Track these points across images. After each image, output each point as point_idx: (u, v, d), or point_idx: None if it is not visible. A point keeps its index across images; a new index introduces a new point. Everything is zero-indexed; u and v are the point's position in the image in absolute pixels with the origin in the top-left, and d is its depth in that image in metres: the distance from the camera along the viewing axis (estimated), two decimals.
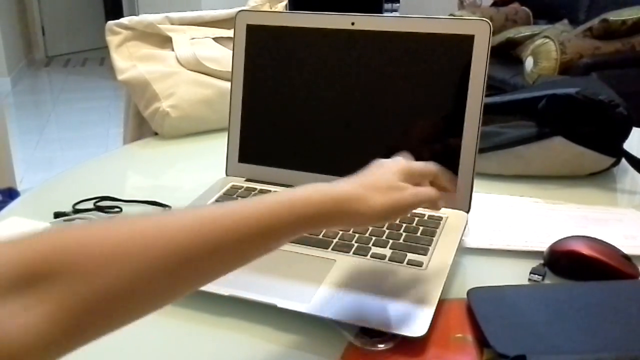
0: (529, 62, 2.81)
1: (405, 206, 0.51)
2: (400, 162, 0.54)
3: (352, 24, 0.71)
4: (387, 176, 0.51)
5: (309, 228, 0.45)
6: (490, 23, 0.65)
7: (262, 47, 0.75)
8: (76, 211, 0.75)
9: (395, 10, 4.25)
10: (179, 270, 0.37)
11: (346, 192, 0.47)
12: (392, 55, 0.69)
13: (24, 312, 0.31)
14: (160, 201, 0.78)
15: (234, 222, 0.40)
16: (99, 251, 0.34)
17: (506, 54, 3.23)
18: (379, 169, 0.53)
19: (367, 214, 0.48)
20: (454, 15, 3.56)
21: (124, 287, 0.35)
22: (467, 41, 0.66)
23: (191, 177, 0.86)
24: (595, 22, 2.76)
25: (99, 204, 0.77)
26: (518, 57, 3.10)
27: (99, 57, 6.07)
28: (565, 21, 3.20)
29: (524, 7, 3.60)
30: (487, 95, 0.68)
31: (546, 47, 2.70)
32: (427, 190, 0.53)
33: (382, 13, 4.17)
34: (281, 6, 1.27)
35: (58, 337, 0.32)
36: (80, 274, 0.33)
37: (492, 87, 3.05)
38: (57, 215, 0.73)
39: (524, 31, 3.25)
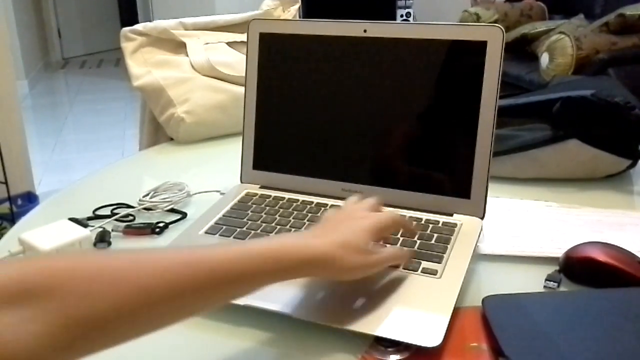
0: (544, 58, 2.79)
1: (371, 269, 0.54)
2: (370, 219, 0.55)
3: (364, 31, 0.71)
4: (358, 237, 0.53)
5: (284, 279, 0.49)
6: (503, 29, 0.65)
7: (275, 55, 0.76)
8: (89, 218, 0.76)
9: (409, 7, 4.23)
10: (158, 304, 0.41)
11: (322, 252, 0.50)
12: (404, 62, 0.69)
13: (22, 325, 0.35)
14: (177, 208, 0.79)
15: (218, 264, 0.44)
16: (81, 278, 0.38)
17: (521, 50, 3.20)
18: (350, 225, 0.54)
19: (338, 273, 0.51)
20: (468, 11, 3.53)
21: (107, 312, 0.38)
22: (479, 47, 0.66)
23: (207, 182, 0.87)
24: (611, 16, 2.73)
25: (115, 210, 0.78)
26: (533, 53, 3.08)
27: (114, 58, 6.12)
28: (581, 16, 3.17)
29: (539, 2, 3.57)
30: (501, 95, 0.68)
31: (562, 43, 2.68)
32: (392, 254, 0.57)
33: (395, 18, 4.16)
34: (294, 9, 1.27)
35: (52, 350, 0.36)
36: (66, 296, 0.37)
37: (507, 83, 3.03)
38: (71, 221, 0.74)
39: (539, 27, 3.22)
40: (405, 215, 0.64)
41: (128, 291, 0.39)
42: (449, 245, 0.62)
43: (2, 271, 0.37)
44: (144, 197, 0.80)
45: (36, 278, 0.37)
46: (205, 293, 0.44)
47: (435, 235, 0.64)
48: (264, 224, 0.68)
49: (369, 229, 0.54)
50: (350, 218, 0.56)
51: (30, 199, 2.52)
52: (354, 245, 0.52)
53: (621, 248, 0.62)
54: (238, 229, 0.67)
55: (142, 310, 0.40)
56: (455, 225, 0.66)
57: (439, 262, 0.59)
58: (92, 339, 0.38)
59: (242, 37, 1.18)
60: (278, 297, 0.56)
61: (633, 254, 0.61)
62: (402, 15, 4.21)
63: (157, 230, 0.73)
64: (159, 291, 0.41)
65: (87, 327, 0.37)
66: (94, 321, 0.38)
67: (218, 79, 1.10)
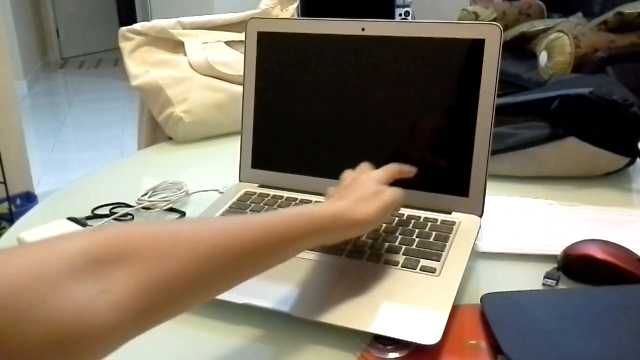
0: (543, 57, 2.79)
1: (390, 204, 0.59)
2: (372, 173, 0.62)
3: (362, 29, 0.71)
4: (368, 186, 0.59)
5: (318, 239, 0.53)
6: (501, 27, 0.65)
7: (273, 53, 0.76)
8: (88, 217, 0.76)
9: (408, 6, 4.23)
10: (224, 266, 0.43)
11: (342, 206, 0.55)
12: (403, 61, 0.69)
13: (102, 295, 0.35)
14: (176, 207, 0.79)
15: (263, 229, 0.47)
16: (158, 243, 0.39)
17: (520, 49, 3.20)
18: (357, 183, 0.60)
19: (363, 220, 0.55)
20: (466, 10, 3.54)
21: (182, 275, 0.40)
22: (477, 45, 0.66)
23: (205, 181, 0.87)
24: (610, 15, 2.73)
25: (113, 210, 0.78)
26: (532, 51, 3.08)
27: (112, 58, 6.12)
28: (580, 14, 3.17)
29: (537, 1, 3.57)
30: (499, 93, 0.68)
31: (560, 42, 2.68)
32: (394, 191, 0.60)
33: (394, 17, 4.16)
34: (292, 8, 1.27)
35: (133, 317, 0.36)
36: (144, 261, 0.38)
37: (506, 82, 3.03)
38: (70, 220, 0.74)
39: (537, 25, 3.22)
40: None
41: (203, 251, 0.41)
42: (447, 244, 0.62)
43: (70, 244, 0.36)
44: (142, 196, 0.80)
45: (105, 248, 0.36)
46: (273, 251, 0.47)
47: (434, 233, 0.64)
48: None
49: (375, 178, 0.61)
50: (354, 179, 0.61)
51: (29, 199, 2.52)
52: (366, 195, 0.57)
53: (619, 245, 0.62)
54: None
55: (215, 270, 0.42)
56: (453, 223, 0.66)
57: (438, 260, 0.59)
58: (170, 303, 0.39)
59: (241, 36, 1.18)
60: (276, 295, 0.56)
61: (631, 252, 0.61)
62: (400, 14, 4.22)
63: None
64: (235, 251, 0.43)
65: (165, 291, 0.38)
66: (171, 284, 0.38)
67: (216, 78, 1.10)
